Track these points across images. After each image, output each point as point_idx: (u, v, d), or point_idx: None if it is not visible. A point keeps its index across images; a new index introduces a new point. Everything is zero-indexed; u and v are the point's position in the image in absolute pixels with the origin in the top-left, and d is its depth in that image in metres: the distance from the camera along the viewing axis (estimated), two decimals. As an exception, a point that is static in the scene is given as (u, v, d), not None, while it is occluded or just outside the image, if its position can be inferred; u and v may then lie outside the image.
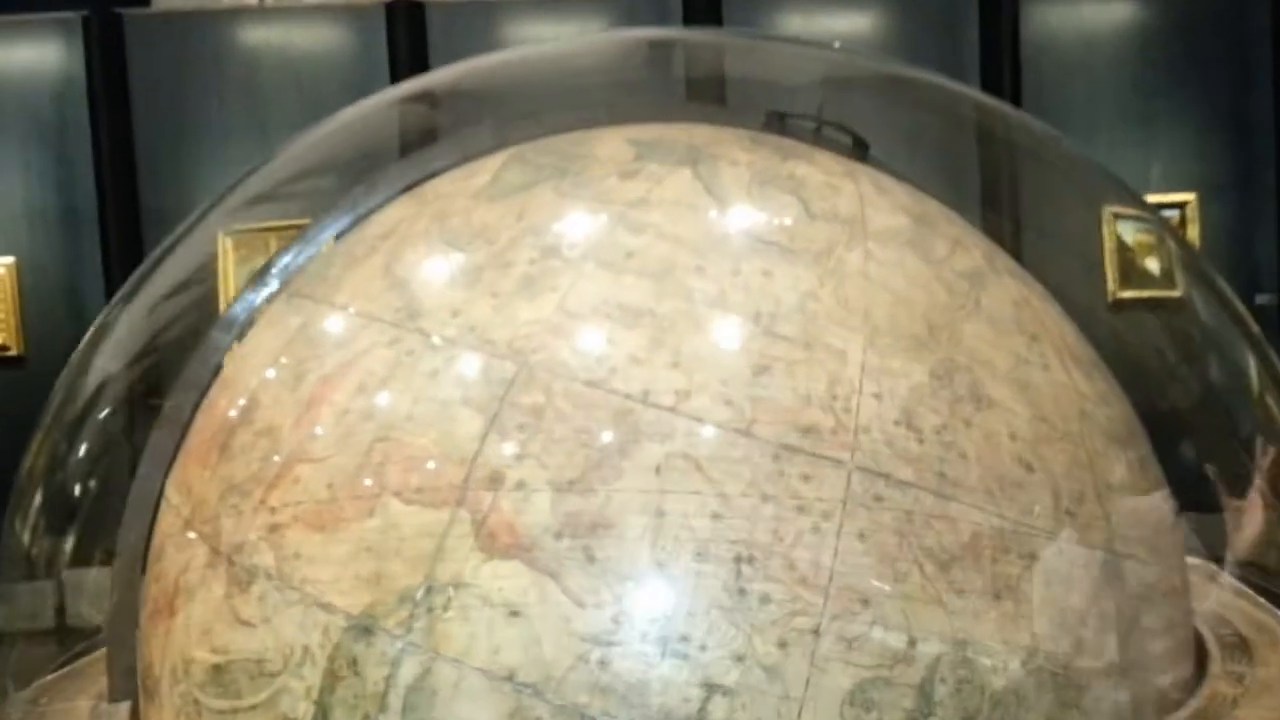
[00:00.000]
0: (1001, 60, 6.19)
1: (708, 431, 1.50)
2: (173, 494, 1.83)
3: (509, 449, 1.51)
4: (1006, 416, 1.62)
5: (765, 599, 1.45)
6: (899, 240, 1.74)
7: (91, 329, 2.24)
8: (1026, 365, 1.69)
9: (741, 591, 1.45)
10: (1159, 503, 1.79)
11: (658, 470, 1.48)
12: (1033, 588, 1.55)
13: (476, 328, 1.61)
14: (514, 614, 1.45)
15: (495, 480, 1.50)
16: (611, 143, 1.88)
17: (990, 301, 1.74)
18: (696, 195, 1.74)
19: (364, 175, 2.08)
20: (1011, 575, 1.54)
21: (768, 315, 1.59)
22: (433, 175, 2.00)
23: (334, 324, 1.74)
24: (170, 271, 2.22)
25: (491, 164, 1.91)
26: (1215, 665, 1.87)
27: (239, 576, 1.62)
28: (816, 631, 1.45)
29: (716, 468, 1.48)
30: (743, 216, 1.71)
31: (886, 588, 1.47)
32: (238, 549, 1.63)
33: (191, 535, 1.72)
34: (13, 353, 6.00)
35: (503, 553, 1.47)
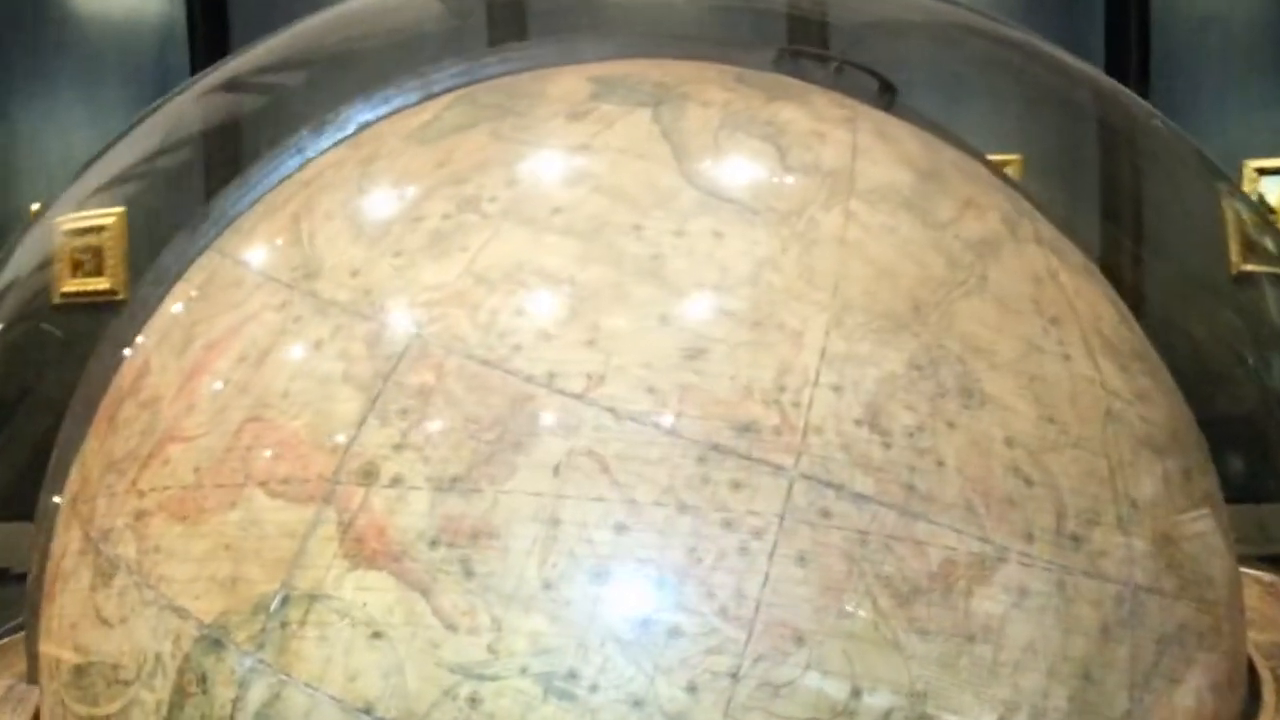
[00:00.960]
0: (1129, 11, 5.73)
1: (621, 425, 1.24)
2: (74, 466, 1.64)
3: (387, 437, 1.27)
4: (1003, 416, 1.33)
5: (674, 632, 1.19)
6: (893, 200, 1.45)
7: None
8: (1038, 354, 1.39)
9: (646, 622, 1.19)
10: (1203, 524, 1.48)
11: (556, 470, 1.23)
12: (1019, 629, 1.26)
13: (373, 292, 1.37)
14: (376, 635, 1.22)
15: (368, 474, 1.26)
16: (569, 80, 1.61)
17: (1001, 275, 1.44)
18: (650, 141, 1.47)
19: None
20: (992, 613, 1.26)
21: (710, 286, 1.32)
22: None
23: (232, 282, 1.51)
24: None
25: (441, 102, 1.67)
26: (1268, 714, 1.56)
27: (103, 568, 1.42)
28: (735, 675, 1.18)
29: (627, 469, 1.23)
30: (700, 167, 1.43)
31: (828, 624, 1.20)
32: (105, 536, 1.43)
33: (73, 516, 1.53)
34: (121, 298, 6.00)
35: (369, 561, 1.24)
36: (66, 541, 1.52)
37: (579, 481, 1.22)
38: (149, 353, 1.56)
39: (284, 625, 1.25)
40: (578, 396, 1.26)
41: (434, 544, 1.22)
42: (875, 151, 1.52)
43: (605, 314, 1.30)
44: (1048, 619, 1.28)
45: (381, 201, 1.48)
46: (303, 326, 1.38)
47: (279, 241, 1.52)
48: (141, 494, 1.40)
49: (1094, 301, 1.54)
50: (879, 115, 1.65)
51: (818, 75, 1.78)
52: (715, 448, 1.23)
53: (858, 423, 1.27)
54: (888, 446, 1.26)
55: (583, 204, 1.39)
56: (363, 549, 1.24)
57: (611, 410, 1.25)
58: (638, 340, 1.28)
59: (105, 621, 1.40)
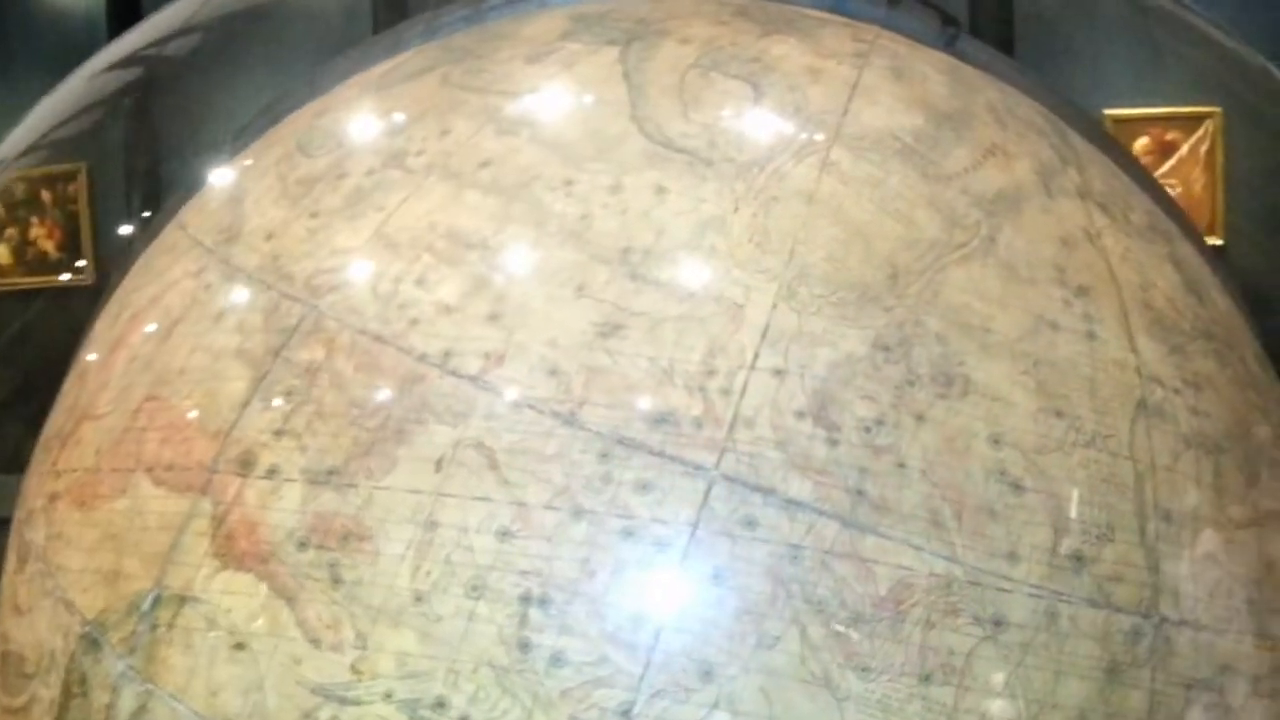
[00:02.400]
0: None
1: (516, 413, 1.07)
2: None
3: (269, 421, 1.13)
4: (990, 409, 1.10)
5: (557, 659, 1.01)
6: (887, 147, 1.23)
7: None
8: (1050, 332, 1.15)
9: (525, 645, 1.02)
10: (1272, 540, 1.21)
11: (439, 465, 1.06)
12: (990, 669, 1.04)
13: (281, 257, 1.23)
14: (238, 646, 1.08)
15: (246, 463, 1.12)
16: (549, 19, 1.43)
17: (1015, 237, 1.20)
18: (606, 83, 1.28)
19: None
20: (957, 648, 1.03)
21: (640, 250, 1.13)
22: None
23: (168, 247, 1.40)
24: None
25: (419, 48, 1.52)
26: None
27: (21, 551, 1.33)
28: (627, 713, 1.00)
29: (517, 466, 1.05)
30: (656, 112, 1.23)
31: (743, 656, 1.01)
32: (27, 518, 1.34)
33: (19, 492, 1.45)
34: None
35: (238, 561, 1.10)
36: (11, 519, 1.45)
37: (462, 479, 1.05)
38: (96, 323, 1.47)
39: (154, 628, 1.13)
40: (472, 379, 1.09)
41: (303, 545, 1.08)
42: (880, 91, 1.29)
43: (515, 283, 1.13)
44: (1031, 657, 1.05)
45: (316, 155, 1.34)
46: (211, 295, 1.26)
47: (217, 202, 1.39)
48: (57, 475, 1.31)
49: (1147, 267, 1.28)
50: (911, 52, 1.41)
51: (871, 12, 1.55)
52: (622, 442, 1.05)
53: (799, 415, 1.06)
54: (834, 443, 1.05)
55: (514, 156, 1.22)
56: (233, 547, 1.11)
57: (507, 396, 1.08)
58: (547, 314, 1.10)
59: (18, 609, 1.31)
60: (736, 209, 1.15)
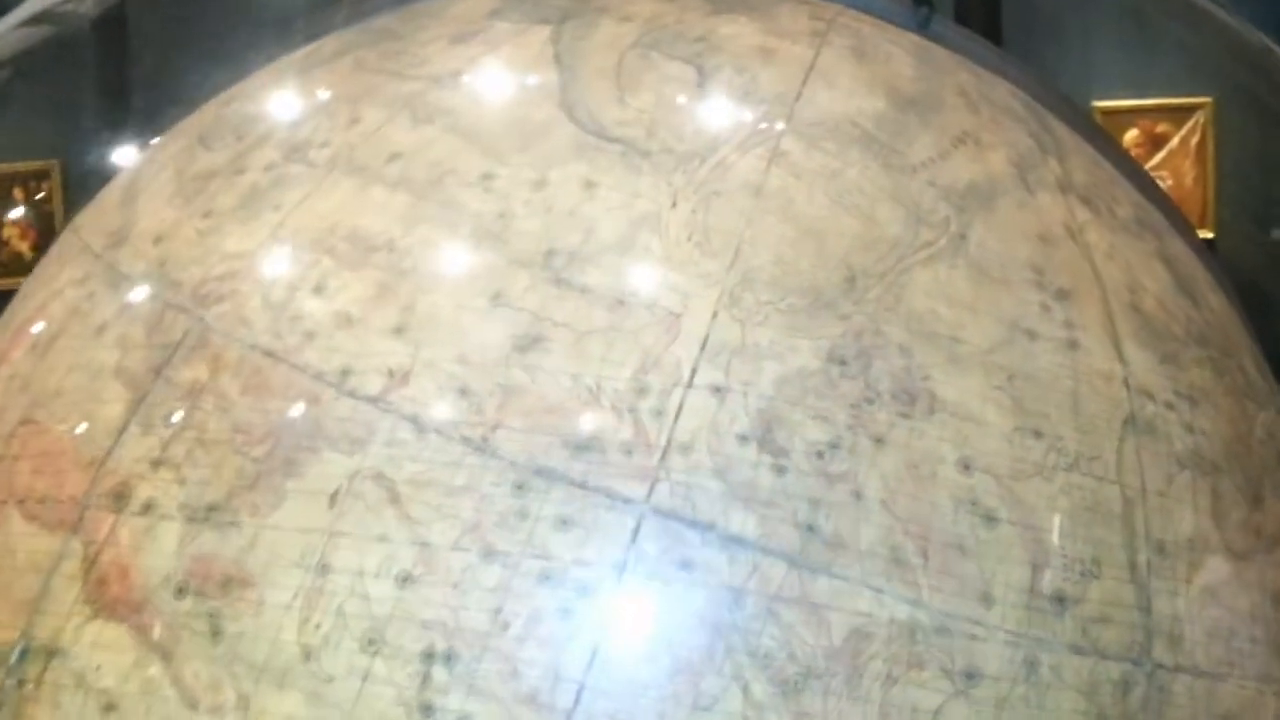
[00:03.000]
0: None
1: (421, 439, 0.94)
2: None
3: (147, 449, 1.00)
4: (960, 429, 0.97)
5: (465, 723, 0.89)
6: (845, 134, 1.10)
7: None
8: (1026, 341, 1.03)
9: (428, 709, 0.89)
10: (1267, 572, 1.08)
11: (333, 499, 0.93)
12: (962, 728, 0.91)
13: (168, 263, 1.10)
14: (109, 708, 0.95)
15: (120, 496, 0.99)
16: None
17: (988, 234, 1.07)
18: (535, 66, 1.15)
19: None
20: (923, 705, 0.91)
21: (565, 253, 1.00)
22: None
23: (60, 252, 1.27)
24: None
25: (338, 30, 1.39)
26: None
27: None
28: (544, 785, 0.88)
29: (422, 500, 0.92)
30: (588, 97, 1.11)
31: (677, 718, 0.88)
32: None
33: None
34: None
35: (110, 610, 0.97)
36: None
37: (359, 515, 0.92)
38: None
39: (21, 684, 0.99)
40: (372, 400, 0.96)
41: (180, 592, 0.95)
42: (839, 73, 1.17)
43: (424, 291, 1.00)
44: (1008, 714, 0.92)
45: (215, 149, 1.20)
46: (94, 305, 1.12)
47: (111, 201, 1.26)
48: (-68, 505, 1.18)
49: (1135, 266, 1.16)
50: (875, 32, 1.29)
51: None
52: (540, 472, 0.92)
53: (742, 439, 0.93)
54: (781, 471, 0.93)
55: (428, 147, 1.09)
56: (104, 593, 0.97)
57: (412, 419, 0.95)
58: (458, 326, 0.97)
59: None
60: (674, 205, 1.02)
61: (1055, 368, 1.02)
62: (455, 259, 1.01)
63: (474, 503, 0.91)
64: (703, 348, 0.95)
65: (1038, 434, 0.99)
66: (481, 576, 0.90)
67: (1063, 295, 1.07)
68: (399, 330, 0.98)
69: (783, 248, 1.01)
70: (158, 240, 1.13)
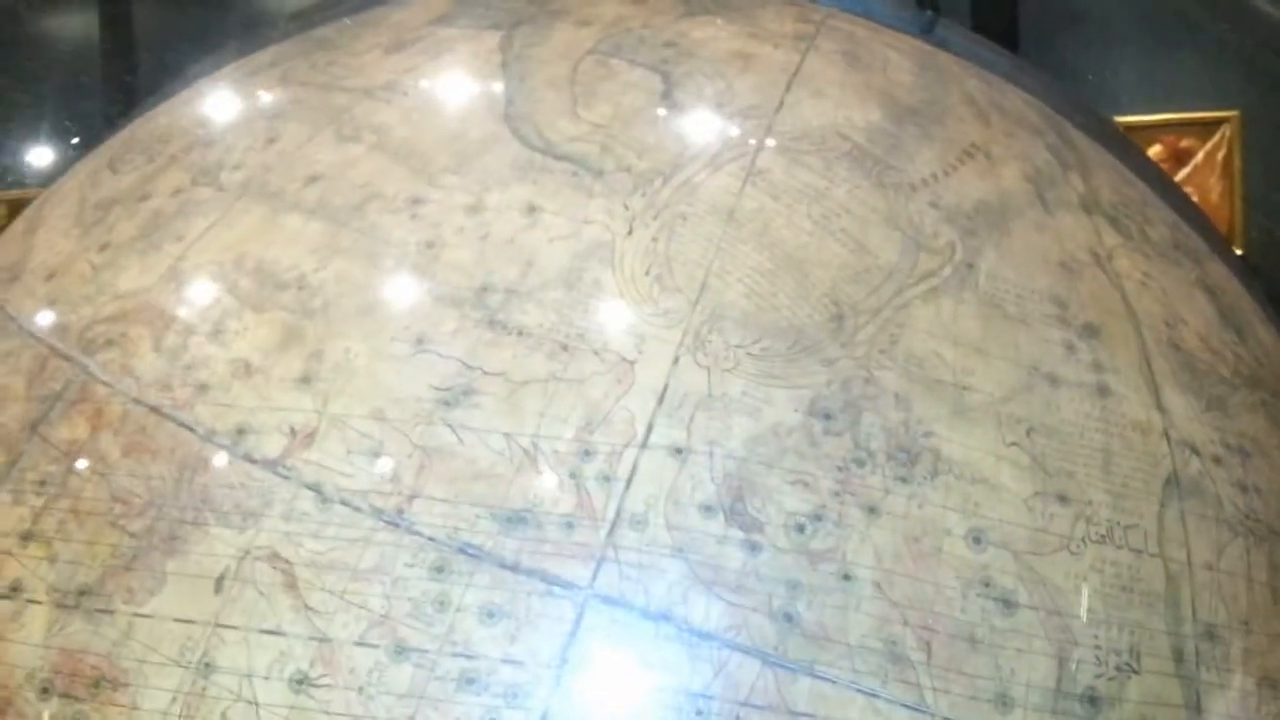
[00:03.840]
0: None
1: (324, 511, 0.79)
2: None
3: (17, 520, 0.85)
4: (970, 495, 0.81)
5: None
6: (834, 148, 0.95)
7: None
8: (1050, 387, 0.87)
9: (324, 840, 0.74)
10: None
11: (219, 583, 0.78)
12: None
13: (58, 302, 0.96)
14: None
15: (-18, 577, 0.85)
16: (433, 1, 1.16)
17: (999, 262, 0.92)
18: (480, 76, 1.01)
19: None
20: (926, 834, 0.75)
21: (501, 289, 0.85)
22: None
23: (-44, 290, 1.13)
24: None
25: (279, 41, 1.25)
26: None
27: None
28: None
29: (324, 586, 0.77)
30: (536, 110, 0.96)
31: None
32: None
33: None
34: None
35: (-36, 713, 0.83)
36: None
37: (249, 604, 0.78)
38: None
39: None
40: (270, 464, 0.81)
41: (45, 692, 0.80)
42: (827, 80, 1.02)
43: (335, 335, 0.85)
44: (1030, 842, 0.76)
45: (122, 171, 1.06)
46: None
47: (16, 230, 1.12)
48: None
49: (1172, 296, 1.00)
50: (871, 35, 1.14)
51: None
52: (464, 550, 0.77)
53: (706, 509, 0.78)
54: (754, 549, 0.77)
55: (352, 168, 0.94)
56: (-41, 694, 0.83)
57: (315, 487, 0.80)
58: (374, 376, 0.83)
59: None
60: (630, 232, 0.87)
61: (1082, 419, 0.87)
62: (374, 297, 0.86)
63: (384, 589, 0.76)
64: (660, 400, 0.80)
65: (1063, 499, 0.83)
66: (391, 679, 0.75)
67: (1090, 332, 0.91)
68: (305, 381, 0.83)
69: (757, 280, 0.86)
70: (50, 276, 0.98)
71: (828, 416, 0.81)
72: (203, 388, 0.85)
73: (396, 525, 0.78)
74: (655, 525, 0.77)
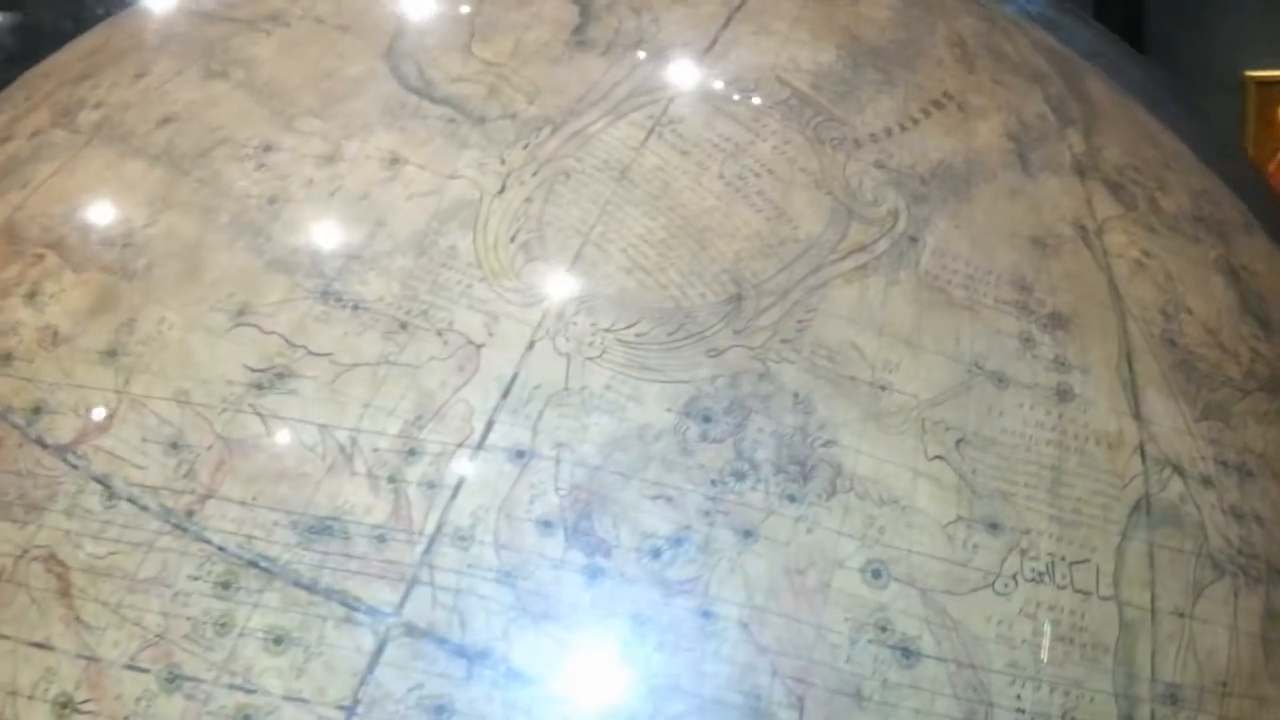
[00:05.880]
0: None
1: (109, 509, 0.68)
2: None
3: None
4: (874, 519, 0.67)
5: None
6: (769, 95, 0.81)
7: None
8: (994, 389, 0.72)
9: None
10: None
11: None
12: None
13: None
14: None
15: None
16: None
17: (951, 234, 0.77)
18: (371, 5, 0.89)
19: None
20: None
21: (343, 254, 0.73)
22: None
23: None
24: None
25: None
26: None
27: None
28: None
29: (99, 596, 0.66)
30: (423, 45, 0.83)
31: None
32: None
33: None
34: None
35: None
36: None
37: (20, 611, 0.67)
38: None
39: None
40: (62, 450, 0.70)
41: None
42: (777, 14, 0.87)
43: (153, 300, 0.74)
44: None
45: (4, 109, 0.97)
46: None
47: None
48: None
49: (1178, 280, 0.83)
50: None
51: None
52: (256, 563, 0.66)
53: (545, 526, 0.65)
54: (596, 576, 0.64)
55: (211, 108, 0.83)
56: None
57: (103, 480, 0.69)
58: (185, 352, 0.71)
59: None
60: (502, 190, 0.75)
61: (1031, 429, 0.72)
62: (201, 259, 0.75)
63: (163, 604, 0.66)
64: (506, 393, 0.68)
65: (992, 527, 0.69)
66: (160, 711, 0.64)
67: (1057, 322, 0.76)
68: (110, 354, 0.72)
69: (645, 252, 0.73)
70: None
71: (707, 419, 0.68)
72: (7, 357, 0.74)
73: (184, 530, 0.67)
74: (482, 543, 0.65)
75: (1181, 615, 0.71)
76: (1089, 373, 0.75)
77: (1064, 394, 0.74)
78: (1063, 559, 0.69)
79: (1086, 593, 0.69)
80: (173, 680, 0.64)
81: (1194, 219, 0.90)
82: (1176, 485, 0.74)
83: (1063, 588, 0.69)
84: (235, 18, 0.91)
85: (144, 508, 0.68)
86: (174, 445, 0.69)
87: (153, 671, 0.65)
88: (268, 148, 0.79)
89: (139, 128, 0.83)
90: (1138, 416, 0.75)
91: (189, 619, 0.65)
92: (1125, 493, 0.72)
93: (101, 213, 0.79)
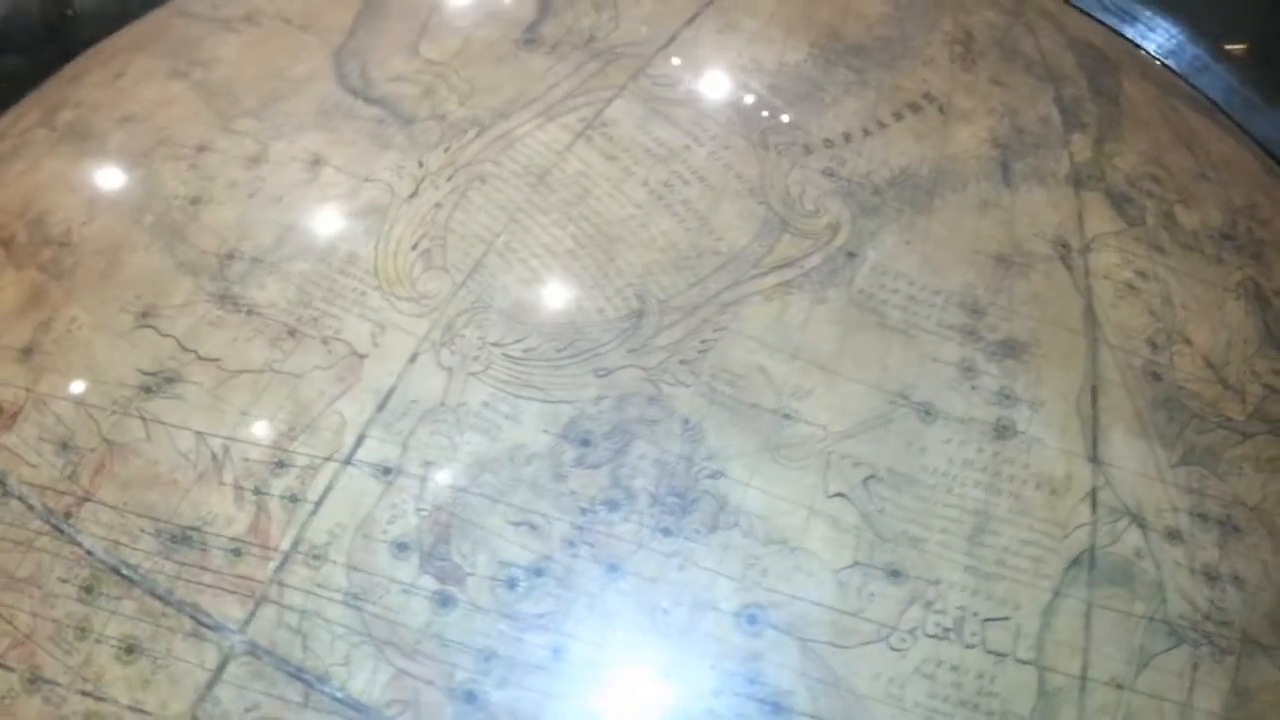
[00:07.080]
0: None
1: (4, 505, 0.69)
2: None
3: None
4: (758, 558, 0.62)
5: None
6: (719, 96, 0.76)
7: None
8: (919, 422, 0.65)
9: None
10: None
11: None
12: None
13: None
14: None
15: None
16: None
17: (896, 249, 0.70)
18: (339, 4, 0.87)
19: None
20: None
21: (248, 257, 0.71)
22: None
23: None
24: None
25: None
26: None
27: None
28: None
29: None
30: (375, 42, 0.81)
31: None
32: None
33: None
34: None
35: None
36: None
37: None
38: None
39: None
40: (-32, 447, 0.71)
41: None
42: (752, 10, 0.82)
43: (71, 302, 0.74)
44: None
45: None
46: None
47: None
48: None
49: (1180, 306, 0.74)
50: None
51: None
52: (120, 570, 0.65)
53: (400, 549, 0.62)
54: (446, 604, 0.61)
55: (165, 108, 0.83)
56: None
57: (0, 478, 0.70)
58: (88, 352, 0.71)
59: None
60: (414, 194, 0.72)
61: (957, 468, 0.65)
62: (119, 259, 0.74)
63: (34, 604, 0.65)
64: (381, 407, 0.65)
65: (894, 575, 0.62)
66: (20, 712, 0.64)
67: (1009, 350, 0.69)
68: (26, 352, 0.73)
69: (548, 262, 0.69)
70: None
71: (585, 442, 0.64)
72: None
73: (61, 531, 0.66)
74: (334, 563, 0.62)
75: (1119, 687, 0.63)
76: (1040, 407, 0.68)
77: (1003, 430, 0.66)
78: (975, 614, 0.62)
79: (1001, 654, 0.62)
80: (33, 681, 0.64)
81: (1221, 236, 0.81)
82: (1133, 538, 0.66)
83: (970, 646, 0.62)
84: (217, 17, 0.91)
85: (30, 507, 0.68)
86: (65, 446, 0.69)
87: (18, 671, 0.64)
88: (202, 148, 0.78)
89: (101, 127, 0.84)
90: (1094, 459, 0.67)
91: (54, 621, 0.65)
92: (1065, 544, 0.65)
93: (49, 211, 0.80)
